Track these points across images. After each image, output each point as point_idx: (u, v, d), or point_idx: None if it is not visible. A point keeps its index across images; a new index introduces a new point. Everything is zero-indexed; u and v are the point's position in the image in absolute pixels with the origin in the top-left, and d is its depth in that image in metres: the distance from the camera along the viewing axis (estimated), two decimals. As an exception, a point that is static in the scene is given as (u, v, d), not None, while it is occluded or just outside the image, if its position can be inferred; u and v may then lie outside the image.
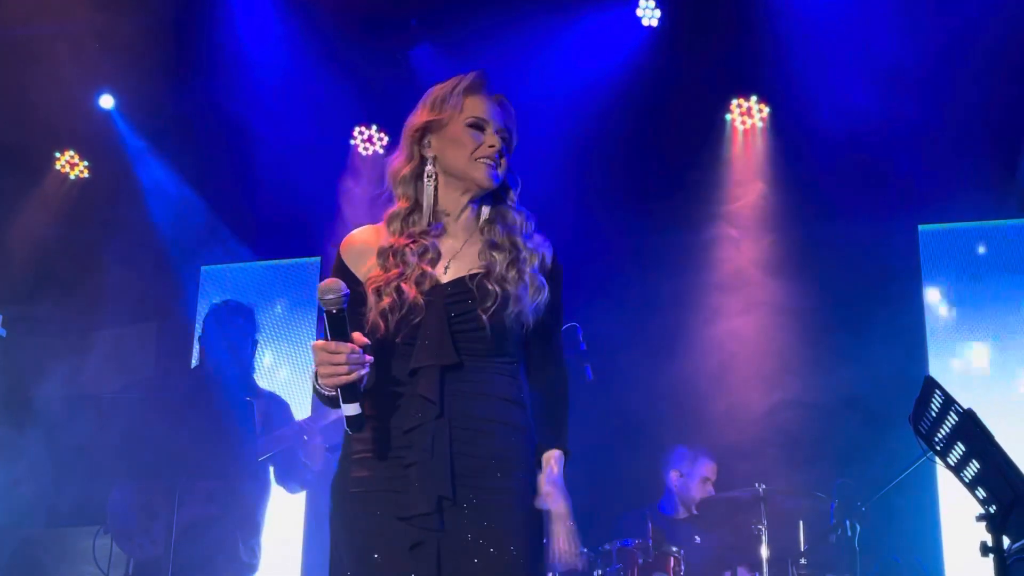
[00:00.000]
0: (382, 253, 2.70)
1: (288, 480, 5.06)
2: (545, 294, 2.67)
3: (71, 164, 7.33)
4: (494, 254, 2.68)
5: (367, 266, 2.72)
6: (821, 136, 6.28)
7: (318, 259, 7.09)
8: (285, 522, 6.28)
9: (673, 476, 5.75)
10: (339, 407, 2.52)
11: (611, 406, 6.00)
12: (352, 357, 2.45)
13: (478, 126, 2.73)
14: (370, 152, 7.13)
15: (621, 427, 6.11)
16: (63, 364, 6.69)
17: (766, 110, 6.61)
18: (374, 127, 7.13)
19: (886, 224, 6.14)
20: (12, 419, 5.24)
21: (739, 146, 6.62)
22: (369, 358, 2.49)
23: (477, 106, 2.74)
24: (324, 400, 2.59)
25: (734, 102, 6.64)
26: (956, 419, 3.21)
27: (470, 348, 2.61)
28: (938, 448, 3.39)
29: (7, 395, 5.15)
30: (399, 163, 2.80)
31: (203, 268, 7.27)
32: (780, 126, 6.55)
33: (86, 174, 7.35)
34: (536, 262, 2.69)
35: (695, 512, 5.62)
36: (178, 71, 6.52)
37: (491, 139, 2.71)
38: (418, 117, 2.77)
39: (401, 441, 2.59)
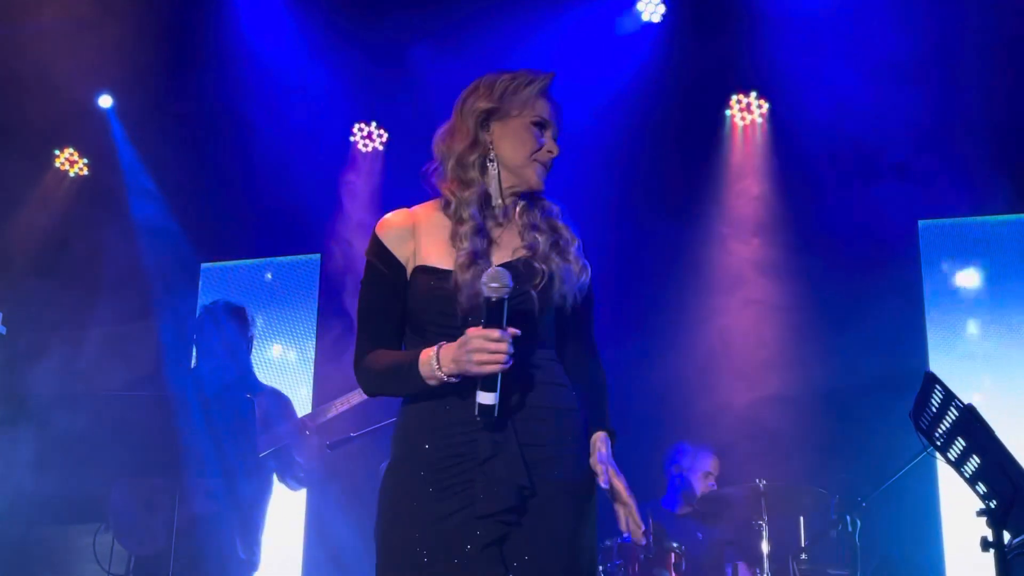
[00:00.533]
0: (451, 236, 2.68)
1: (288, 477, 5.07)
2: (588, 274, 2.71)
3: (70, 161, 7.34)
4: (536, 236, 2.70)
5: (409, 249, 2.70)
6: (820, 131, 6.28)
7: (318, 255, 7.09)
8: (286, 520, 6.29)
9: (674, 471, 5.75)
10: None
11: (612, 404, 6.00)
12: (511, 347, 2.47)
13: (542, 126, 2.73)
14: (370, 149, 7.13)
15: (622, 423, 6.10)
16: (63, 361, 6.69)
17: (765, 105, 6.61)
18: (373, 124, 7.14)
19: (886, 219, 6.13)
20: (12, 416, 5.24)
21: (739, 141, 6.62)
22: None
23: (545, 107, 2.74)
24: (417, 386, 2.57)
25: (734, 98, 6.64)
26: (956, 414, 3.22)
27: (526, 337, 2.57)
28: (938, 443, 3.39)
29: (7, 392, 5.14)
30: (463, 146, 2.73)
31: (203, 265, 7.27)
32: (779, 121, 6.55)
33: (85, 171, 7.35)
34: (577, 243, 2.73)
35: (696, 507, 5.62)
36: (178, 68, 6.53)
37: (551, 144, 2.74)
38: (482, 101, 2.73)
39: (467, 435, 2.58)
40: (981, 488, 3.36)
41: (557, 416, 2.64)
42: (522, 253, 2.68)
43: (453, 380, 2.54)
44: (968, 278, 6.20)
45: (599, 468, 2.62)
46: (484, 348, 2.47)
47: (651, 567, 4.85)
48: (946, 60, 5.99)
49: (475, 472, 2.56)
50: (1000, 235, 6.20)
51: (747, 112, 6.64)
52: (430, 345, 2.58)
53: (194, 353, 5.28)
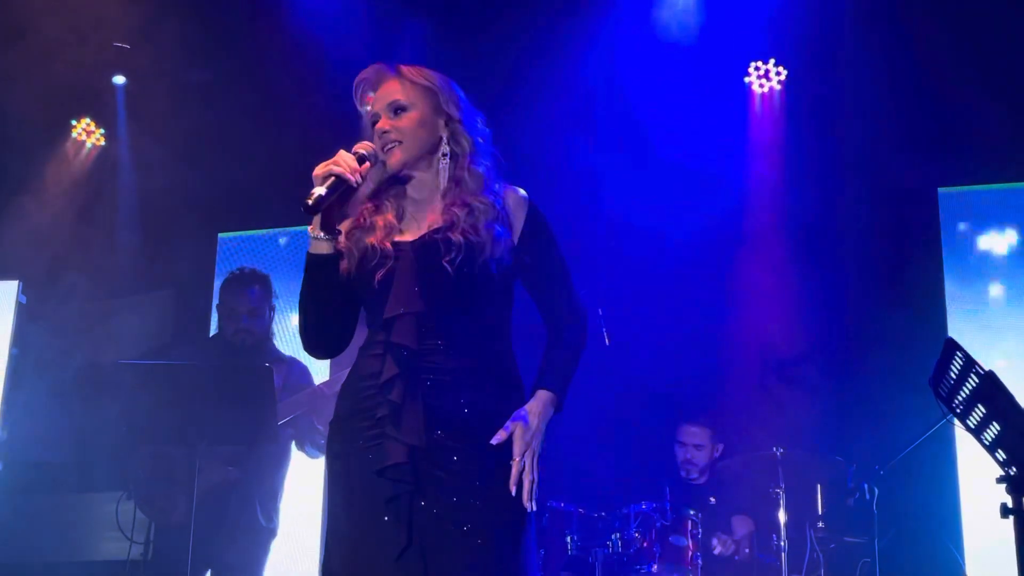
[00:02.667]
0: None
1: (307, 445, 5.09)
2: (503, 244, 2.74)
3: (87, 132, 7.34)
4: (455, 211, 2.75)
5: None
6: (839, 98, 6.24)
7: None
8: (305, 487, 6.32)
9: (677, 448, 5.73)
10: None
11: (630, 374, 6.01)
12: (353, 165, 2.67)
13: (375, 123, 2.87)
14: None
15: (640, 394, 6.13)
16: (82, 331, 6.74)
17: (784, 72, 6.56)
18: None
19: (905, 187, 6.10)
20: (34, 386, 5.28)
21: (757, 109, 6.59)
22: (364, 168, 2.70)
23: (366, 112, 2.93)
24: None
25: (752, 65, 6.59)
26: (977, 381, 3.21)
27: (440, 301, 2.69)
28: (958, 410, 3.38)
29: (29, 362, 5.19)
30: None
31: (220, 235, 7.28)
32: (798, 88, 6.50)
33: (103, 142, 7.36)
34: (492, 215, 2.76)
35: (711, 476, 5.63)
36: (196, 37, 6.50)
37: (380, 128, 2.85)
38: None
39: (377, 397, 2.67)
40: (1001, 455, 3.35)
41: (477, 382, 2.68)
42: (442, 224, 2.76)
43: (322, 237, 2.71)
44: (989, 244, 6.16)
45: (512, 425, 2.67)
46: (334, 159, 2.67)
47: (668, 534, 4.87)
48: (966, 22, 5.93)
49: (377, 429, 2.66)
50: (1021, 202, 6.16)
51: (765, 79, 6.59)
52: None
53: (216, 319, 5.29)
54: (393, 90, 2.86)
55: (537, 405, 2.70)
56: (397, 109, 2.84)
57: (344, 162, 2.67)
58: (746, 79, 6.61)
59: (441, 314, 2.69)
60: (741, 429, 5.79)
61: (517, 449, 2.63)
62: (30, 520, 5.90)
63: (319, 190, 2.63)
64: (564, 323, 2.82)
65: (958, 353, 3.16)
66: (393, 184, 2.84)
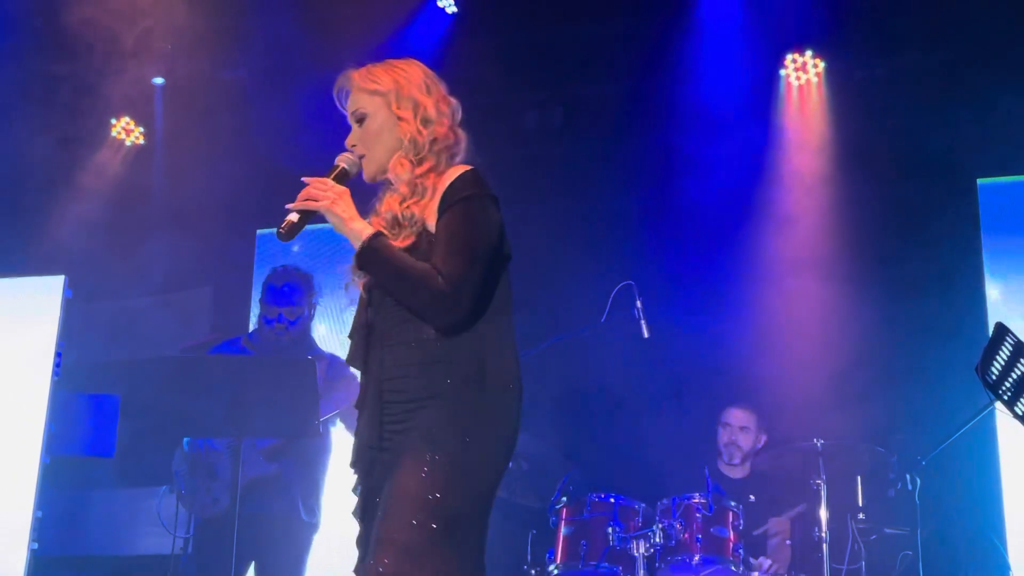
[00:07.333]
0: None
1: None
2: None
3: (127, 130, 7.41)
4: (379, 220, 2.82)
5: None
6: (876, 90, 6.21)
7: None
8: (347, 481, 6.34)
9: (721, 431, 5.73)
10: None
11: (667, 363, 6.01)
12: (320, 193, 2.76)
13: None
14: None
15: (679, 384, 6.13)
16: (123, 327, 6.80)
17: (821, 65, 6.53)
18: (427, 87, 7.11)
19: (944, 178, 6.06)
20: (78, 382, 5.33)
21: (794, 103, 6.56)
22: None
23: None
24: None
25: (788, 57, 6.57)
26: (1027, 366, 3.19)
27: (384, 306, 2.77)
28: (1006, 396, 3.36)
29: (74, 357, 5.25)
30: None
31: (259, 232, 7.32)
32: (835, 81, 6.47)
33: (142, 140, 7.42)
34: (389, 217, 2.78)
35: (751, 467, 5.62)
36: (234, 36, 6.54)
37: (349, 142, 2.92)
38: None
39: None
40: (1050, 441, 3.33)
41: (407, 372, 2.72)
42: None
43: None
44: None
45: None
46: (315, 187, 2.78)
47: (709, 525, 4.86)
48: (1002, 10, 5.89)
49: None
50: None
51: (802, 72, 6.56)
52: None
53: (258, 314, 5.33)
54: (353, 99, 2.88)
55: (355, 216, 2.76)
56: (359, 119, 2.86)
57: (314, 193, 2.75)
58: (782, 71, 6.58)
59: (384, 325, 2.83)
60: (782, 420, 5.77)
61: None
62: (75, 514, 5.97)
63: (292, 217, 2.76)
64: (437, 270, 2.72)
65: (1008, 338, 3.15)
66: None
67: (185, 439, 5.08)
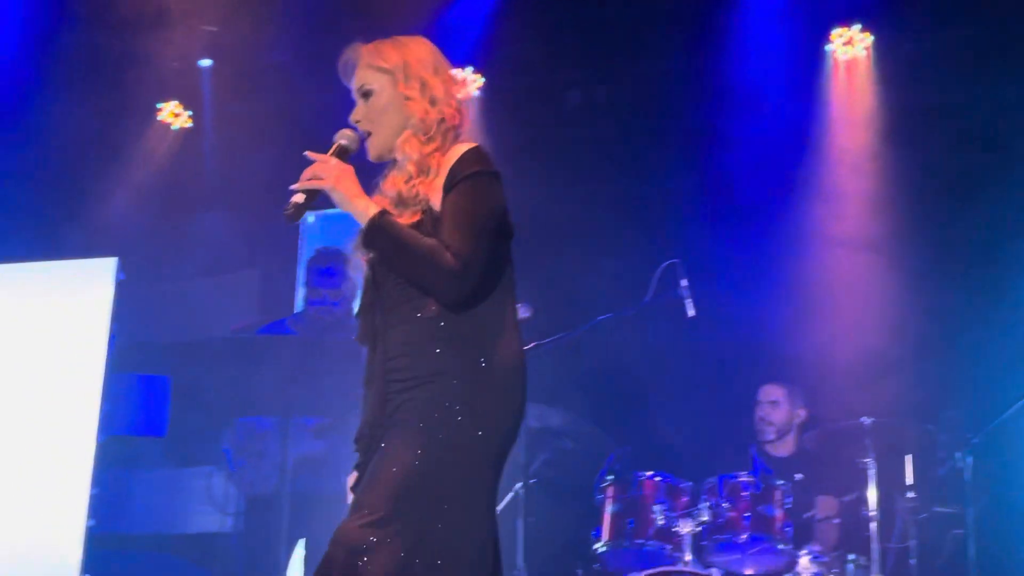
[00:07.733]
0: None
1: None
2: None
3: (174, 114, 7.47)
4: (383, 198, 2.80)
5: None
6: (925, 63, 6.13)
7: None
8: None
9: (756, 409, 5.72)
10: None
11: (710, 342, 5.99)
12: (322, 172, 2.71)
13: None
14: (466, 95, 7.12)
15: (725, 361, 6.11)
16: (174, 308, 6.88)
17: (869, 38, 6.44)
18: (469, 69, 7.11)
19: (998, 156, 5.97)
20: (129, 362, 5.41)
21: (841, 78, 6.49)
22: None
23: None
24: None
25: (835, 31, 6.49)
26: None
27: (387, 284, 2.74)
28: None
29: (126, 337, 5.32)
30: None
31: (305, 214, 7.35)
32: (883, 54, 6.39)
33: (189, 124, 7.49)
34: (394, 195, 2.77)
35: (797, 445, 5.60)
36: (282, 20, 6.57)
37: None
38: None
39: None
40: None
41: (409, 351, 2.69)
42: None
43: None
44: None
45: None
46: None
47: (756, 504, 4.85)
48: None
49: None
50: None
51: (849, 46, 6.48)
52: None
53: (303, 295, 5.38)
54: (360, 74, 2.85)
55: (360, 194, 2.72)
56: (365, 94, 2.83)
57: (318, 172, 2.71)
58: (827, 47, 6.51)
59: (389, 304, 2.82)
60: (829, 398, 5.74)
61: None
62: (127, 493, 6.05)
63: (297, 198, 2.71)
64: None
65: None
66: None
67: (235, 418, 5.15)
